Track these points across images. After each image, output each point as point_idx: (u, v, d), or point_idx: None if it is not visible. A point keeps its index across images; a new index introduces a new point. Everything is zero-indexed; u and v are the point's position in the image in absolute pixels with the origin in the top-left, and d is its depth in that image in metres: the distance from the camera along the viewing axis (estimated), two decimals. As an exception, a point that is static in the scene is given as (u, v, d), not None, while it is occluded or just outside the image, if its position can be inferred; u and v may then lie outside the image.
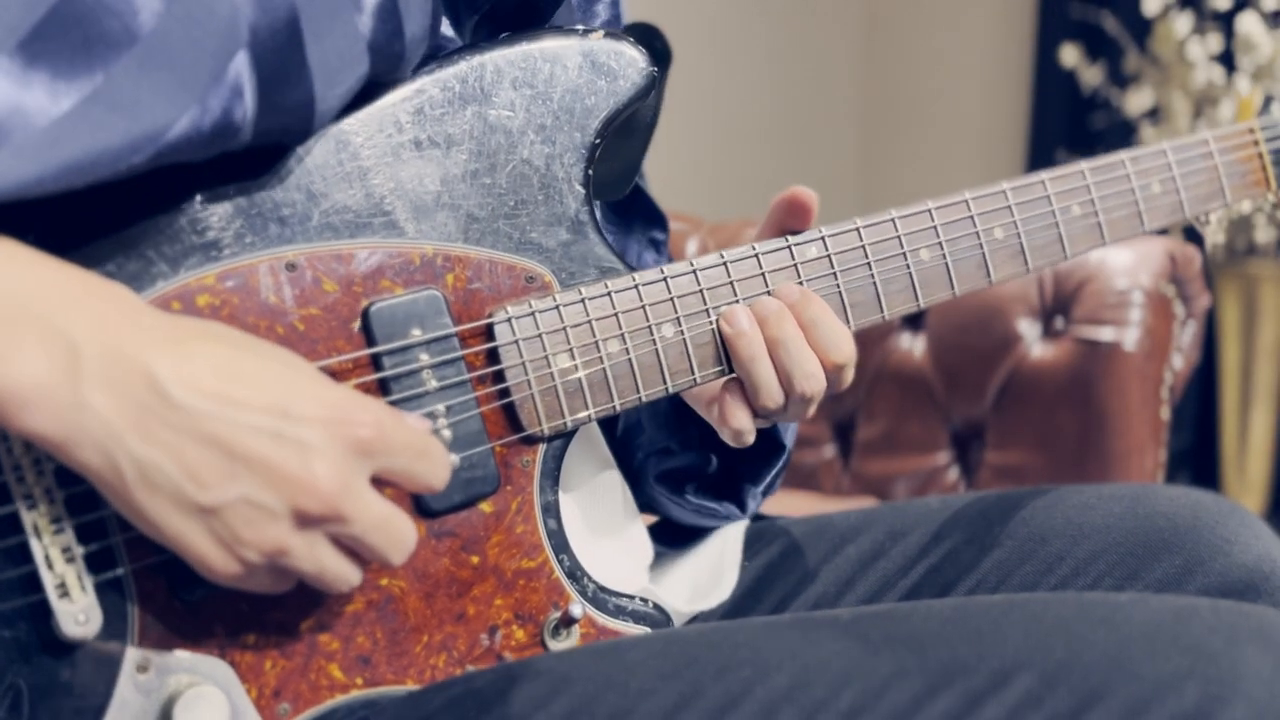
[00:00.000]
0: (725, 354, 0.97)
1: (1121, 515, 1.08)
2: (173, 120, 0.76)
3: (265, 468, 0.74)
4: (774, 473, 1.10)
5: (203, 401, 0.73)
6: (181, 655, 0.81)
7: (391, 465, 0.79)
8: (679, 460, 1.10)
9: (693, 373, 0.96)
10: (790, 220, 1.01)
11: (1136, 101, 3.17)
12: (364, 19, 0.86)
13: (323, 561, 0.78)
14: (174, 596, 0.81)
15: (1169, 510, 1.07)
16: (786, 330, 0.97)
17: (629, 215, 1.16)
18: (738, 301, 0.97)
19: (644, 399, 0.95)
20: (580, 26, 0.97)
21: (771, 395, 0.97)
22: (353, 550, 0.80)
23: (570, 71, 0.94)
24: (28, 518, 0.76)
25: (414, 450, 0.80)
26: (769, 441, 1.10)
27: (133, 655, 0.79)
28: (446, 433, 0.88)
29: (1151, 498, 1.10)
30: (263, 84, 0.80)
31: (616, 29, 0.99)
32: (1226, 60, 3.06)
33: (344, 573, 0.80)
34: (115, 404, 0.71)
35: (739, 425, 0.98)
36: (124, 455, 0.72)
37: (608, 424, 1.08)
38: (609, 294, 0.93)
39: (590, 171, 0.95)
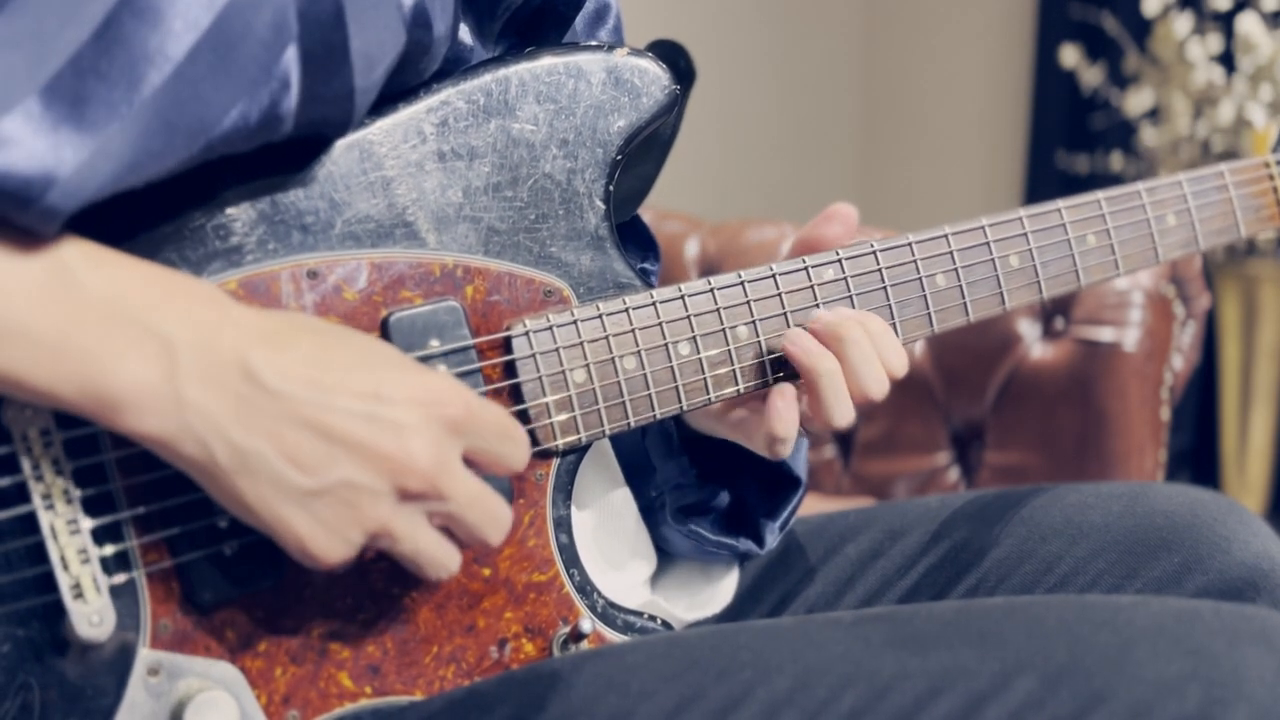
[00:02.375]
0: (740, 374, 0.98)
1: (1120, 514, 1.08)
2: (226, 112, 0.78)
3: (363, 449, 0.76)
4: (793, 507, 1.10)
5: (298, 388, 0.75)
6: (193, 659, 0.81)
7: (480, 445, 0.81)
8: (694, 496, 1.10)
9: (708, 392, 0.96)
10: (828, 228, 1.02)
11: (1136, 102, 3.17)
12: (405, 7, 0.86)
13: (420, 541, 0.80)
14: (187, 600, 0.81)
15: (1168, 508, 1.08)
16: (855, 332, 0.97)
17: (623, 241, 1.16)
18: (754, 322, 0.98)
19: (659, 416, 0.95)
20: (603, 43, 0.97)
21: (845, 409, 0.97)
22: (449, 532, 0.82)
23: (594, 87, 0.94)
24: (45, 518, 0.77)
25: (499, 431, 0.81)
26: (783, 475, 1.10)
27: (144, 658, 0.80)
28: None
29: (1150, 496, 1.10)
30: (307, 75, 0.81)
31: (638, 47, 1.00)
32: (1227, 61, 3.06)
33: (441, 554, 0.81)
34: (214, 397, 0.73)
35: (784, 432, 0.96)
36: (223, 445, 0.74)
37: (618, 439, 1.09)
38: (626, 310, 0.94)
39: (611, 188, 0.95)
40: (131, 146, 0.74)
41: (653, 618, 0.97)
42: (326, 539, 0.77)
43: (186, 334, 0.73)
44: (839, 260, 1.00)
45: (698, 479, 1.10)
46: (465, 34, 1.00)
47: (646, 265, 1.16)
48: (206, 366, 0.73)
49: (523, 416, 0.91)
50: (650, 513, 1.10)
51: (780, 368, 0.99)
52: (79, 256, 0.73)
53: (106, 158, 0.73)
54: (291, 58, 0.80)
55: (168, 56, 0.75)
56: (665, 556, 1.14)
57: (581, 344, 0.92)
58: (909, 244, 1.02)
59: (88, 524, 0.78)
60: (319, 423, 0.75)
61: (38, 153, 0.70)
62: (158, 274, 0.76)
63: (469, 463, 0.82)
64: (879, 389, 0.97)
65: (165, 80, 0.75)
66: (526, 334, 0.91)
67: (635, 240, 1.15)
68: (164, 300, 0.74)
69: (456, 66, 0.96)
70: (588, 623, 0.92)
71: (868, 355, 0.97)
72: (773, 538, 1.09)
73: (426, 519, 0.80)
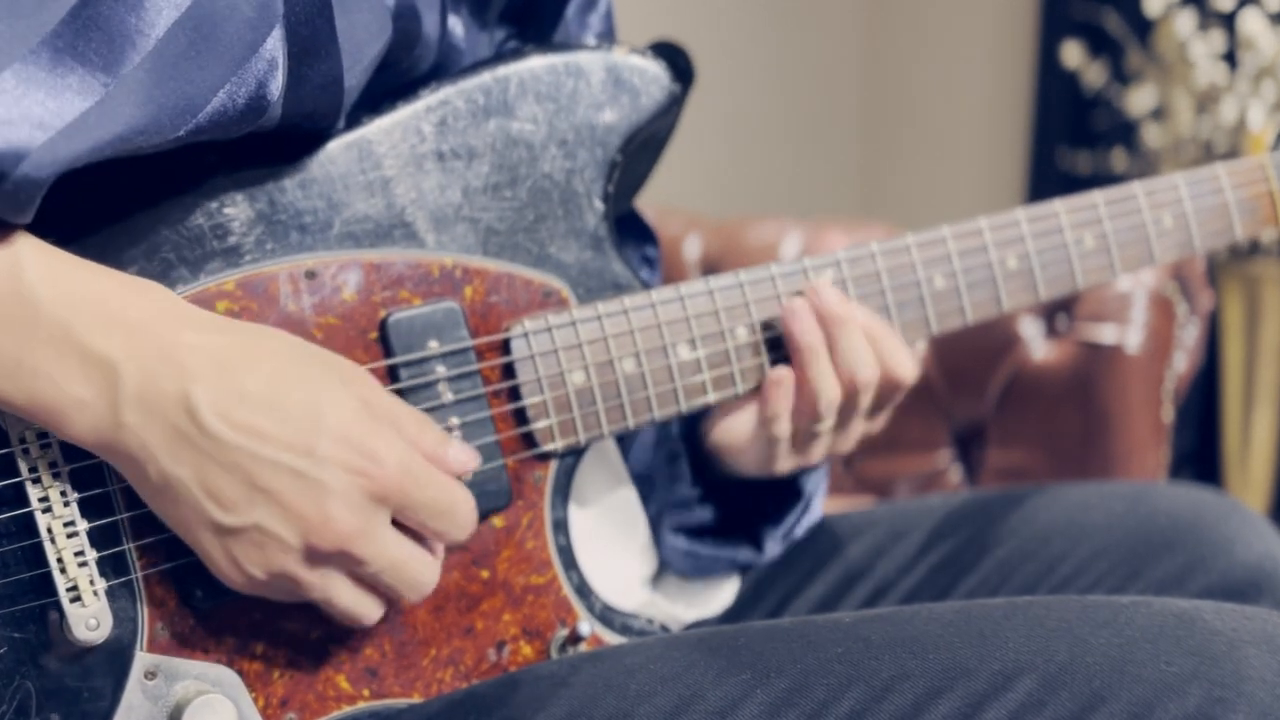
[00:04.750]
0: (739, 376, 0.97)
1: (1123, 514, 1.08)
2: (213, 92, 0.78)
3: (281, 503, 0.77)
4: (795, 517, 1.10)
5: (232, 434, 0.75)
6: (190, 663, 0.81)
7: (412, 517, 0.81)
8: (696, 516, 1.09)
9: (706, 393, 0.96)
10: None
11: (1139, 100, 3.16)
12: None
13: (333, 594, 0.80)
14: (184, 604, 0.81)
15: (1170, 509, 1.07)
16: (851, 313, 0.98)
17: (622, 232, 1.16)
18: (753, 324, 0.97)
19: (657, 418, 0.95)
20: (602, 42, 0.97)
21: (830, 388, 0.98)
22: (373, 586, 0.82)
23: (594, 87, 0.94)
24: (42, 521, 0.76)
25: (435, 509, 0.81)
26: (788, 488, 1.10)
27: (141, 661, 0.79)
28: None
29: (1153, 496, 1.10)
30: (294, 57, 0.81)
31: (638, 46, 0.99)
32: (1230, 60, 3.05)
33: (358, 608, 0.82)
34: (148, 424, 0.74)
35: (772, 409, 0.99)
36: (152, 467, 0.75)
37: (622, 438, 1.08)
38: (625, 312, 0.94)
39: (610, 188, 0.95)
40: (112, 123, 0.74)
41: (651, 620, 0.97)
42: (234, 571, 0.78)
43: (132, 360, 0.74)
44: (838, 262, 1.00)
45: (702, 494, 1.09)
46: (457, 25, 1.00)
47: (648, 250, 1.16)
48: (146, 394, 0.74)
49: (521, 417, 0.91)
50: (653, 525, 1.10)
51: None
52: (37, 268, 0.74)
53: (83, 133, 0.73)
54: (277, 38, 0.80)
55: (146, 35, 0.75)
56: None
57: (580, 345, 0.92)
58: (908, 245, 1.02)
59: (85, 526, 0.77)
60: (245, 468, 0.76)
61: (6, 130, 0.71)
62: (115, 288, 0.76)
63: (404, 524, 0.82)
64: (868, 373, 0.98)
65: (144, 58, 0.75)
66: (525, 335, 0.91)
67: (635, 231, 1.15)
68: (115, 320, 0.75)
69: (449, 59, 0.96)
70: (586, 625, 0.92)
71: (856, 343, 0.98)
72: (774, 545, 1.09)
73: (341, 574, 0.80)
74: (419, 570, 0.82)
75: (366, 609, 0.82)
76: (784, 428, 1.00)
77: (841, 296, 0.99)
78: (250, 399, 0.76)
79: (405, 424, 0.81)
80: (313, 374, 0.79)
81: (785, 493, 1.09)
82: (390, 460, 0.79)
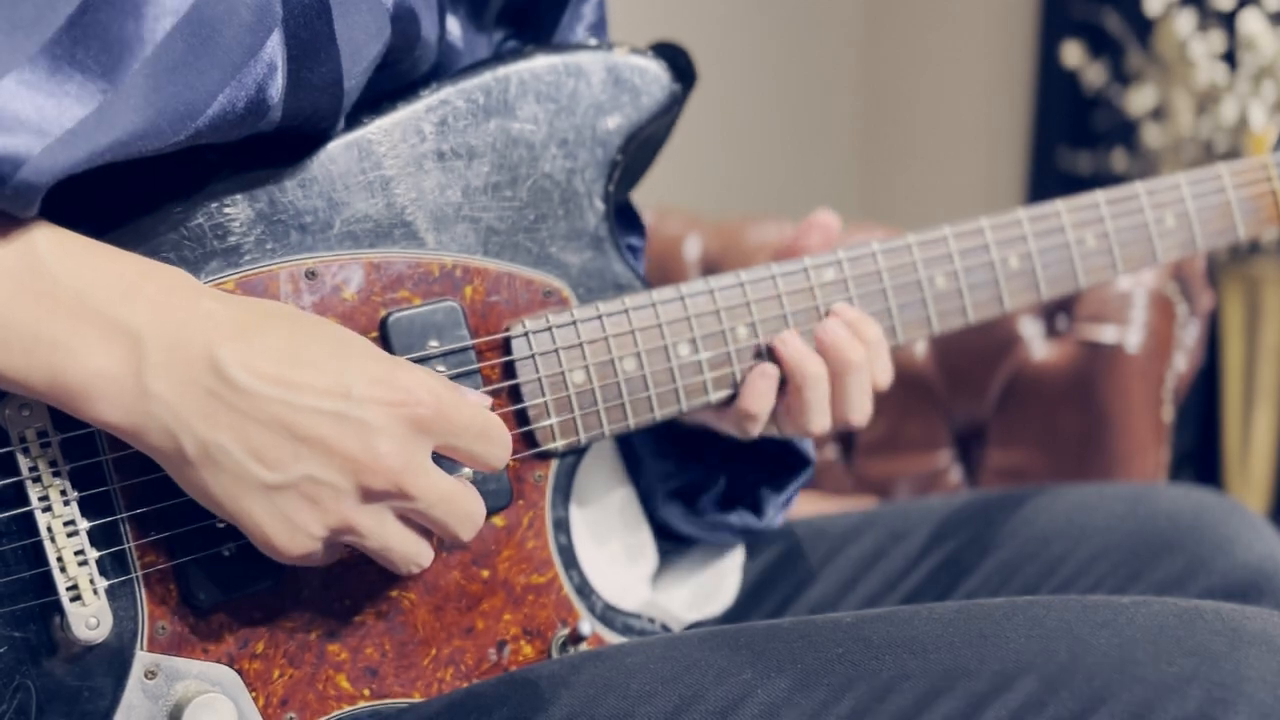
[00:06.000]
0: (740, 376, 0.97)
1: (1123, 515, 1.08)
2: (213, 96, 0.78)
3: (328, 448, 0.76)
4: (798, 483, 1.11)
5: (265, 386, 0.75)
6: (190, 662, 0.81)
7: (453, 444, 0.80)
8: (685, 479, 1.10)
9: (707, 393, 0.96)
10: (810, 238, 1.04)
11: (1139, 100, 3.17)
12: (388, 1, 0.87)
13: (389, 539, 0.80)
14: (185, 603, 0.81)
15: (1171, 510, 1.08)
16: (857, 354, 0.99)
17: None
18: (754, 324, 0.98)
19: (659, 418, 0.95)
20: (603, 42, 0.97)
21: (822, 420, 0.99)
22: (423, 529, 0.81)
23: (594, 87, 0.94)
24: (42, 520, 0.76)
25: (474, 431, 0.81)
26: (788, 456, 1.10)
27: (142, 660, 0.79)
28: None
29: (1153, 497, 1.10)
30: (293, 60, 0.81)
31: (638, 44, 0.99)
32: (1230, 60, 3.05)
33: (411, 550, 0.81)
34: (179, 390, 0.74)
35: (755, 408, 0.98)
36: (189, 437, 0.74)
37: (621, 438, 1.08)
38: (626, 311, 0.94)
39: (611, 188, 0.95)
40: (111, 129, 0.74)
41: (652, 620, 0.97)
42: (289, 533, 0.77)
43: (154, 327, 0.74)
44: (839, 261, 1.00)
45: (692, 464, 1.10)
46: (455, 27, 1.00)
47: (633, 240, 1.15)
48: (173, 360, 0.73)
49: (522, 417, 0.91)
50: (646, 498, 1.10)
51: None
52: (51, 246, 0.73)
53: (82, 140, 0.73)
54: (276, 42, 0.80)
55: (145, 41, 0.75)
56: (668, 556, 1.14)
57: (581, 345, 0.92)
58: (909, 245, 1.02)
59: (85, 525, 0.77)
60: (284, 420, 0.75)
61: (5, 137, 0.71)
62: (129, 264, 0.76)
63: (447, 458, 0.82)
64: (861, 417, 1.01)
65: (143, 64, 0.75)
66: (526, 335, 0.91)
67: (622, 220, 1.15)
68: (133, 292, 0.74)
69: (448, 60, 0.96)
70: (587, 625, 0.92)
71: (862, 384, 0.99)
72: (775, 510, 1.09)
73: (394, 516, 0.80)
74: (468, 501, 0.81)
75: (422, 551, 0.82)
76: (758, 427, 1.00)
77: (851, 336, 0.99)
78: (275, 354, 0.76)
79: (415, 367, 0.82)
80: (324, 332, 0.79)
81: (787, 461, 1.10)
82: (423, 391, 0.78)
